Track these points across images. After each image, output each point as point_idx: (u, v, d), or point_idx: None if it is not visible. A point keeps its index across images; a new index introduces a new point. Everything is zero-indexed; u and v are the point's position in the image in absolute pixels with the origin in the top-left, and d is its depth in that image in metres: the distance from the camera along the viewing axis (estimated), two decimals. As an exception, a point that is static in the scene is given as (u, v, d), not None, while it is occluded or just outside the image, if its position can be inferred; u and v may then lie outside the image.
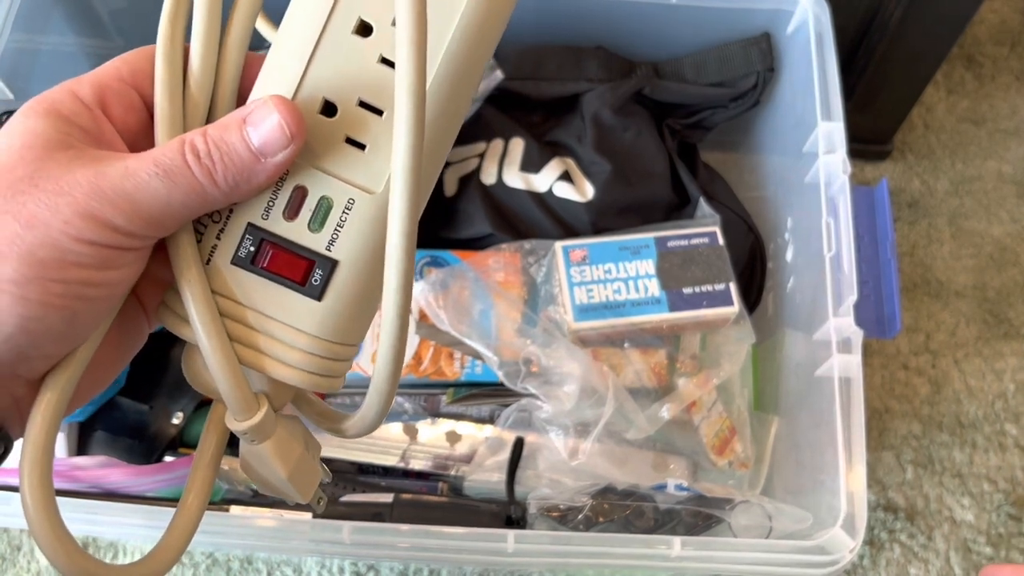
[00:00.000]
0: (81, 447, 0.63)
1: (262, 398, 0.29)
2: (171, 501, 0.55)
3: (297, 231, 0.27)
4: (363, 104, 0.26)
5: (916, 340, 0.80)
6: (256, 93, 0.27)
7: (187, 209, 0.26)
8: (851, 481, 0.52)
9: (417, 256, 0.64)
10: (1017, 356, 0.79)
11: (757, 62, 0.69)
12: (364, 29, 0.26)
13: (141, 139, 0.27)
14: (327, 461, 0.63)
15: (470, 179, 0.67)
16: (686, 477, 0.62)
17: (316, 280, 0.27)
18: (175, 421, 0.62)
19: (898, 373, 0.78)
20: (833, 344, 0.56)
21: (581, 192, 0.66)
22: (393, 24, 0.25)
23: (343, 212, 0.27)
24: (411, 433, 0.63)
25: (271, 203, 0.27)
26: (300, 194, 0.27)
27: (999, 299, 0.81)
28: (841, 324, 0.56)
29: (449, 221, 0.67)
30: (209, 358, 0.27)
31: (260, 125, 0.25)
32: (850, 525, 0.51)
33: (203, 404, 0.64)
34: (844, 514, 0.51)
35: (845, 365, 0.55)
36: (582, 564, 0.56)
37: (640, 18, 0.68)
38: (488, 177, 0.66)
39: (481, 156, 0.68)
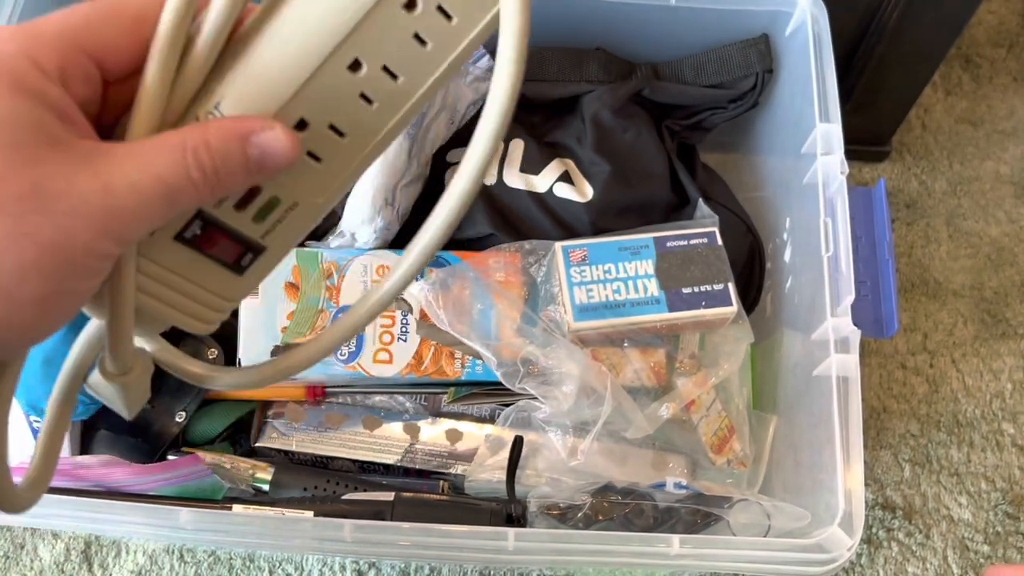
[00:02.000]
0: (84, 446, 0.64)
1: (138, 359, 0.31)
2: (174, 500, 0.56)
3: (242, 221, 0.29)
4: (331, 127, 0.28)
5: (914, 340, 0.80)
6: (239, 94, 0.27)
7: (179, 213, 0.27)
8: (849, 480, 0.52)
9: (418, 256, 0.65)
10: (1014, 356, 0.79)
11: (756, 63, 0.69)
12: (356, 66, 0.28)
13: (89, 108, 0.27)
14: (329, 460, 0.63)
15: (470, 179, 0.67)
16: (685, 476, 0.62)
17: (245, 262, 0.30)
18: (178, 420, 0.62)
19: (896, 372, 0.78)
20: (831, 344, 0.56)
21: (581, 192, 0.66)
22: (383, 70, 0.28)
23: (286, 211, 0.29)
24: (412, 432, 0.63)
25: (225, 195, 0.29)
26: (254, 190, 0.29)
27: (996, 299, 0.82)
28: (839, 324, 0.56)
29: (450, 221, 0.67)
30: (111, 318, 0.29)
31: (265, 148, 0.26)
32: (848, 523, 0.51)
33: (206, 403, 0.64)
34: (842, 512, 0.51)
35: (843, 364, 0.55)
36: (582, 562, 0.56)
37: (640, 19, 0.68)
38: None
39: (481, 157, 0.68)
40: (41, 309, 0.24)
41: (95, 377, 0.32)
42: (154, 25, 0.26)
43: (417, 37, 0.27)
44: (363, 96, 0.28)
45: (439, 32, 0.27)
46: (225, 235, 0.29)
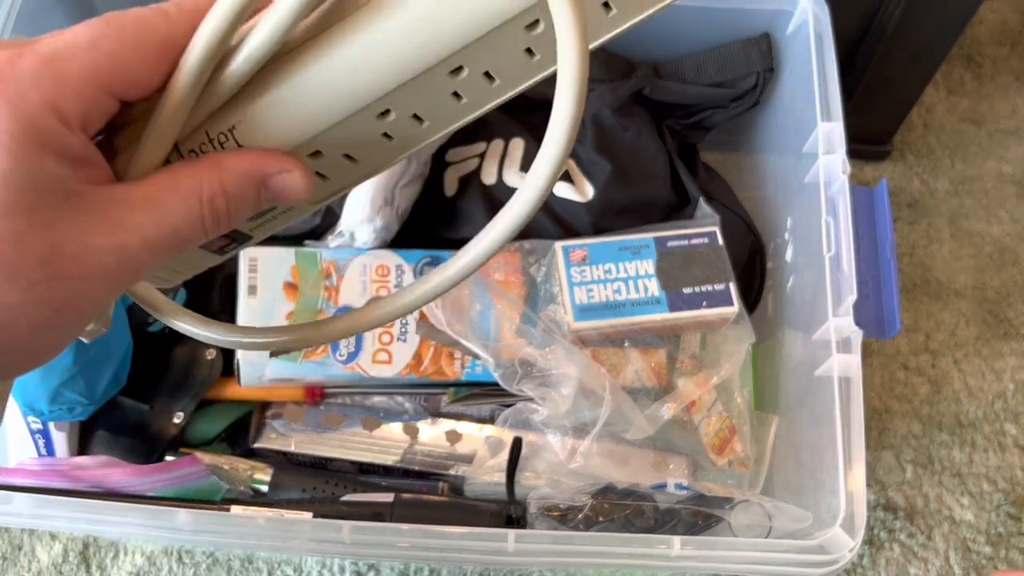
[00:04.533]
0: (82, 447, 0.63)
1: None
2: (172, 501, 0.56)
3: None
4: (346, 156, 0.29)
5: (916, 340, 0.80)
6: (259, 122, 0.26)
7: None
8: (851, 481, 0.52)
9: (417, 256, 0.64)
10: (1016, 356, 0.79)
11: (757, 62, 0.69)
12: (384, 113, 0.27)
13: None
14: (328, 461, 0.63)
15: (470, 179, 0.67)
16: (686, 476, 0.62)
17: (229, 249, 0.32)
18: (176, 421, 0.62)
19: (898, 373, 0.78)
20: (833, 344, 0.56)
21: (581, 192, 0.66)
22: (412, 117, 0.28)
23: (280, 213, 0.31)
24: (411, 433, 0.63)
25: None
26: None
27: (999, 299, 0.81)
28: (841, 324, 0.56)
29: (449, 221, 0.67)
30: None
31: (280, 191, 0.27)
32: (850, 525, 0.51)
33: (204, 404, 0.64)
34: (844, 514, 0.51)
35: (845, 365, 0.55)
36: (582, 563, 0.56)
37: (640, 18, 0.68)
38: (488, 177, 0.67)
39: (481, 156, 0.68)
40: (49, 352, 0.26)
41: None
42: (181, 49, 0.25)
43: (455, 95, 0.27)
44: (385, 135, 0.28)
45: (477, 91, 0.27)
46: (226, 236, 0.31)
